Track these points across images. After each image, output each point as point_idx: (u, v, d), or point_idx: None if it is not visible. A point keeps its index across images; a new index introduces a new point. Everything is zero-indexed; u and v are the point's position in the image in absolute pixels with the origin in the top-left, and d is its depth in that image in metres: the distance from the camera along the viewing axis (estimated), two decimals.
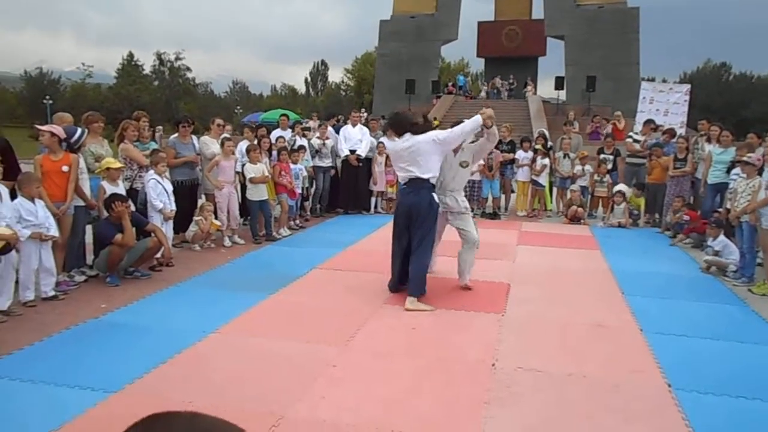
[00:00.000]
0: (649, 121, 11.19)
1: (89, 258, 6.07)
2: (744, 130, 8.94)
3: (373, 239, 8.07)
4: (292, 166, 8.50)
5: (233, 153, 7.72)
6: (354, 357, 3.99)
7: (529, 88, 31.01)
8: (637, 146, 10.28)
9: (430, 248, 5.30)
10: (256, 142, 8.30)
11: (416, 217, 5.05)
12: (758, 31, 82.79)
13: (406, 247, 5.19)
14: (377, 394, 3.41)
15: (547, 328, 4.62)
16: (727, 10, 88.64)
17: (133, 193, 6.50)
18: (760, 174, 6.16)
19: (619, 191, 9.75)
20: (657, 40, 77.41)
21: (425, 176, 5.04)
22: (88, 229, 6.06)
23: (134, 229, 5.91)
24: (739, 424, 3.18)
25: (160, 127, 10.85)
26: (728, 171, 7.77)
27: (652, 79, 35.56)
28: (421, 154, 5.01)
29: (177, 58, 49.02)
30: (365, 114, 25.34)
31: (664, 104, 14.31)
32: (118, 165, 6.02)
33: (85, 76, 45.58)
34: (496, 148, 10.52)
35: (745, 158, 6.41)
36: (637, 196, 9.80)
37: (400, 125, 5.25)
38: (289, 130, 9.87)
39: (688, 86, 15.14)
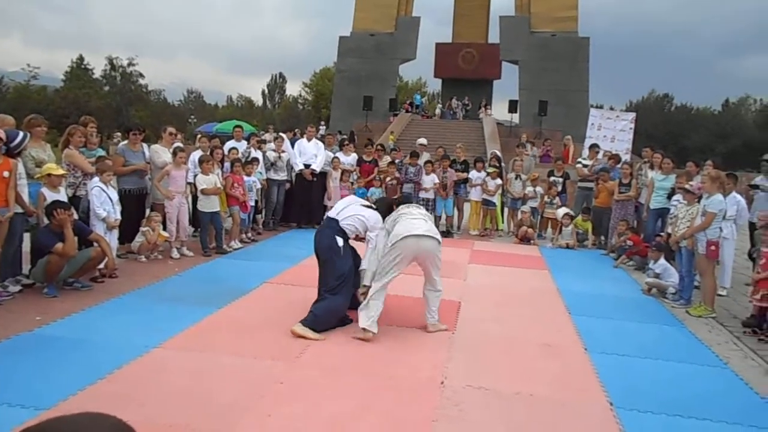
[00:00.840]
0: (593, 146, 11.64)
1: (26, 267, 5.77)
2: (684, 158, 9.41)
3: None
4: (245, 178, 8.38)
5: (185, 163, 7.55)
6: (302, 374, 3.92)
7: (483, 110, 31.74)
8: (586, 171, 10.64)
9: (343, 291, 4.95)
10: (209, 152, 8.15)
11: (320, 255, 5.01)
12: (698, 66, 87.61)
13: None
14: (325, 411, 3.36)
15: (496, 347, 4.67)
16: (671, 45, 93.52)
17: (76, 201, 6.25)
18: (698, 201, 6.46)
19: (567, 213, 10.03)
20: (606, 70, 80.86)
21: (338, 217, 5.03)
22: (26, 237, 5.77)
23: (76, 238, 5.68)
24: None
25: (118, 134, 10.57)
26: (669, 197, 8.13)
27: (601, 106, 37.08)
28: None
29: (130, 64, 47.74)
30: (323, 127, 25.38)
31: (611, 131, 14.93)
32: (60, 171, 5.79)
33: (30, 78, 43.75)
34: (450, 167, 10.71)
35: (686, 186, 6.72)
36: (584, 220, 10.10)
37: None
38: (244, 142, 9.75)
39: (634, 114, 15.87)
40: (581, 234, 10.05)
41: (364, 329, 4.61)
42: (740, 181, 9.38)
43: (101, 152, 6.96)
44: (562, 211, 10.08)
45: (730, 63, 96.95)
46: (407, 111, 32.55)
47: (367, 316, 4.63)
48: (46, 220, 5.46)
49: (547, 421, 3.43)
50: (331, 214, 5.19)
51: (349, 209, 5.08)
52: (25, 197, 5.44)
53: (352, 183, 10.40)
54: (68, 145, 6.40)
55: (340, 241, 4.93)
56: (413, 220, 4.87)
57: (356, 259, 5.18)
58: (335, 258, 4.89)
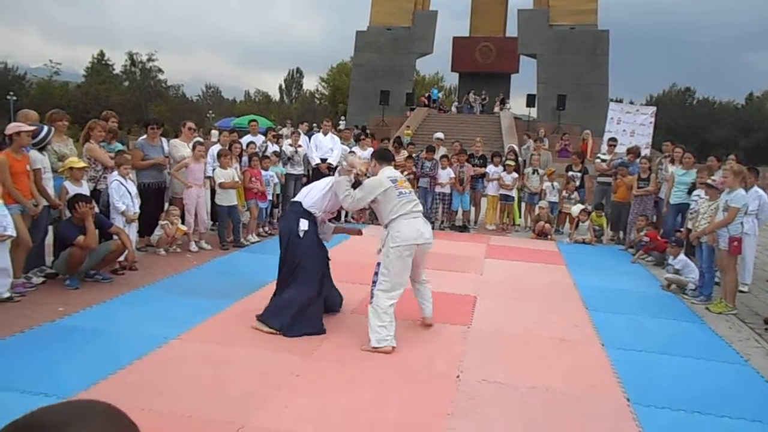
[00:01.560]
0: (612, 140, 11.50)
1: (49, 259, 5.89)
2: (705, 152, 9.25)
3: (343, 248, 8.02)
4: (263, 172, 8.43)
5: (203, 156, 7.63)
6: (318, 366, 3.95)
7: (498, 104, 31.56)
8: (604, 165, 10.53)
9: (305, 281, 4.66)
10: (227, 147, 8.22)
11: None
12: (721, 58, 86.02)
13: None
14: (340, 404, 3.38)
15: (512, 341, 4.66)
16: (693, 37, 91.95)
17: (96, 194, 6.35)
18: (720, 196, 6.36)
19: (583, 209, 9.94)
20: (626, 63, 79.74)
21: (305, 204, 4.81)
22: (49, 229, 5.89)
23: (97, 231, 5.77)
24: None
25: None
26: (689, 192, 8.01)
27: (620, 101, 36.56)
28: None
29: (149, 59, 48.33)
30: (343, 122, 25.40)
31: (630, 125, 14.71)
32: (81, 165, 5.88)
33: (52, 74, 44.48)
34: (468, 161, 10.68)
35: (708, 181, 6.60)
36: (598, 216, 10.01)
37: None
38: (261, 136, 9.80)
39: (654, 109, 15.60)
40: (597, 230, 9.96)
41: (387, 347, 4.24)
42: (764, 175, 9.21)
43: (120, 147, 7.06)
44: (577, 209, 9.99)
45: (754, 56, 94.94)
46: (424, 105, 32.44)
47: (387, 335, 4.24)
48: (68, 213, 5.56)
49: (563, 415, 3.42)
50: (296, 198, 5.03)
51: (314, 190, 4.91)
52: (51, 191, 5.56)
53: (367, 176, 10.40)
54: (89, 139, 6.50)
55: (302, 224, 4.64)
56: (415, 219, 4.47)
57: (324, 251, 4.92)
58: (293, 242, 4.63)
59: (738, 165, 6.40)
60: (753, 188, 6.57)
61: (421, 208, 4.66)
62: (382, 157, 4.91)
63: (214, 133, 17.77)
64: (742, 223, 5.95)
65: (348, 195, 4.61)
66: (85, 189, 5.89)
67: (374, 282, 4.37)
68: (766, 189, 7.49)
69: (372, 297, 4.35)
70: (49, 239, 5.91)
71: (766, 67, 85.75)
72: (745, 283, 6.79)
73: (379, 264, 4.41)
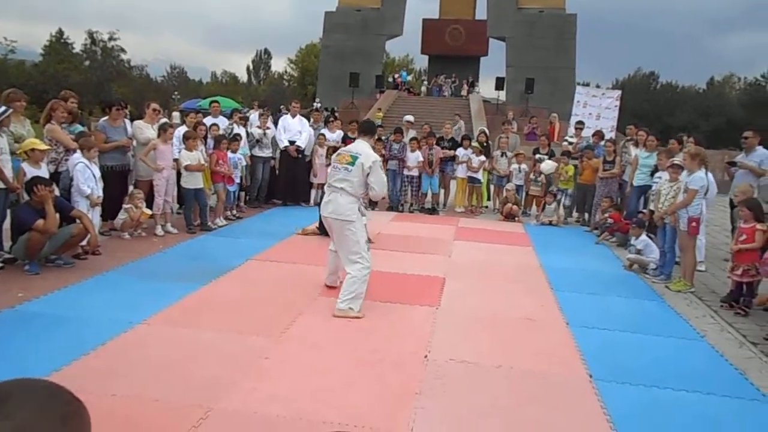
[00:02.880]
0: (579, 123, 11.69)
1: (6, 244, 5.70)
2: (668, 136, 9.48)
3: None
4: (230, 155, 8.30)
5: (171, 138, 7.46)
6: (287, 349, 3.95)
7: (467, 88, 31.70)
8: (570, 148, 10.69)
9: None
10: (192, 128, 8.06)
11: None
12: (685, 43, 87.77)
13: None
14: (309, 386, 3.40)
15: (480, 322, 4.74)
16: (658, 22, 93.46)
17: (57, 177, 6.15)
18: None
19: (550, 191, 10.10)
20: (593, 47, 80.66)
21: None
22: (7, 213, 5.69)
23: (58, 215, 5.61)
24: (652, 411, 3.37)
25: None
26: (652, 174, 8.20)
27: (587, 84, 37.08)
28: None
29: (111, 39, 46.65)
30: (319, 104, 25.09)
31: (596, 108, 14.98)
32: (44, 147, 5.69)
33: (8, 52, 42.59)
34: (438, 144, 10.71)
35: (677, 161, 6.74)
36: (565, 164, 10.21)
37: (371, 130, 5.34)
38: (224, 118, 9.61)
39: (619, 92, 15.90)
40: (564, 194, 10.11)
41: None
42: (713, 158, 9.49)
43: (81, 128, 6.84)
44: (548, 165, 10.16)
45: (716, 40, 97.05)
46: (397, 87, 32.30)
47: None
48: (26, 197, 5.38)
49: (528, 392, 3.50)
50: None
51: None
52: (9, 173, 5.36)
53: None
54: (50, 120, 6.28)
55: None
56: (330, 193, 4.84)
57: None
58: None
59: (696, 147, 6.56)
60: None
61: (343, 184, 4.78)
62: (360, 128, 5.39)
63: (176, 114, 17.40)
64: (702, 205, 6.14)
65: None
66: (44, 171, 5.71)
67: None
68: (714, 171, 7.73)
69: None
70: (7, 224, 5.71)
71: (727, 52, 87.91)
72: (701, 261, 7.01)
73: None
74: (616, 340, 4.49)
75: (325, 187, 5.00)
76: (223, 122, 9.36)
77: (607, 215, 8.84)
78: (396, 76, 35.36)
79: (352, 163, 4.75)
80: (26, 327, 4.02)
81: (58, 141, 6.26)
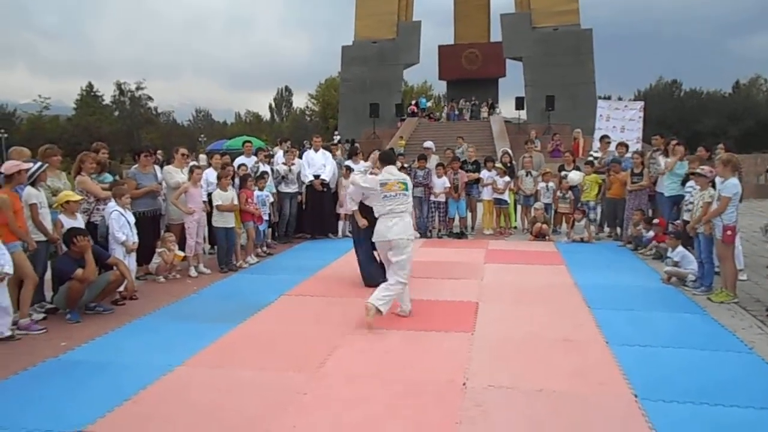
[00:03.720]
0: (604, 137, 11.57)
1: (48, 294, 5.87)
2: (697, 143, 9.31)
3: (341, 264, 8.04)
4: (257, 192, 8.45)
5: (200, 180, 7.64)
6: (325, 384, 3.94)
7: (487, 110, 31.80)
8: (595, 163, 10.58)
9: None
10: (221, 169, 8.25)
11: None
12: (705, 48, 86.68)
13: None
14: (349, 420, 3.38)
15: (517, 345, 4.66)
16: (676, 29, 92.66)
17: (90, 227, 6.34)
18: (713, 186, 6.39)
19: (579, 208, 9.97)
20: (611, 60, 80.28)
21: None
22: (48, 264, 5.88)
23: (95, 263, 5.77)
24: (703, 430, 3.24)
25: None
26: (683, 183, 8.04)
27: (608, 97, 36.83)
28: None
29: (138, 88, 48.44)
30: (338, 137, 25.49)
31: (620, 121, 14.82)
32: (77, 198, 5.89)
33: (42, 109, 44.52)
34: (462, 168, 10.72)
35: (698, 170, 6.63)
36: (588, 174, 10.12)
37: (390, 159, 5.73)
38: (253, 157, 9.83)
39: (642, 103, 15.72)
40: (590, 205, 9.97)
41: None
42: (756, 162, 9.28)
43: (110, 178, 7.05)
44: (575, 175, 10.07)
45: (737, 43, 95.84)
46: (413, 113, 32.58)
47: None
48: (64, 248, 5.56)
49: (571, 416, 3.41)
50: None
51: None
52: (49, 225, 5.56)
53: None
54: (80, 171, 6.51)
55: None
56: (391, 218, 5.30)
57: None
58: None
59: (727, 154, 6.43)
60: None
61: (404, 206, 5.36)
62: (382, 158, 5.78)
63: (202, 157, 17.85)
64: (736, 212, 5.99)
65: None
66: (80, 222, 5.90)
67: None
68: (761, 174, 7.54)
69: None
70: (48, 274, 5.89)
71: (749, 54, 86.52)
72: (741, 269, 6.79)
73: None
74: (660, 357, 4.35)
75: (382, 214, 5.34)
76: (251, 162, 9.54)
77: (640, 227, 8.68)
78: (412, 103, 35.69)
79: (406, 188, 5.42)
80: (69, 375, 4.11)
81: (89, 191, 6.46)
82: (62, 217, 5.74)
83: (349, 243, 9.41)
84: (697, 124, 45.90)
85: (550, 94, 27.47)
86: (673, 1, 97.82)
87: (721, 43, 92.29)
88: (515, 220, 11.31)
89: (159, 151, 14.91)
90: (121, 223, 6.21)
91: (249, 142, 10.78)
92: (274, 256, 8.89)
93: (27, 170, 5.32)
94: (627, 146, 10.49)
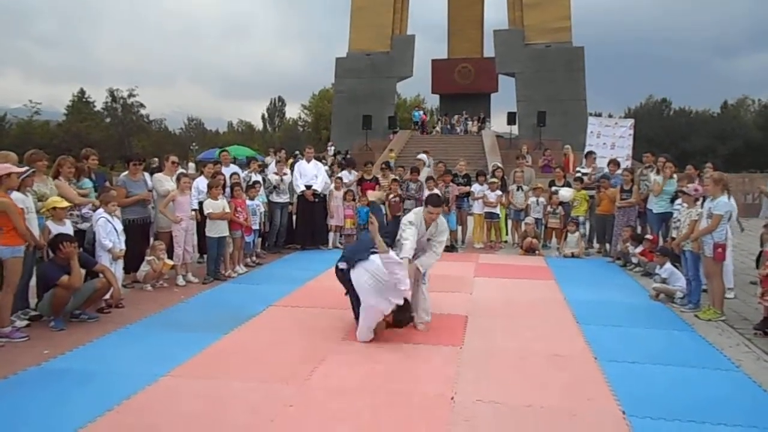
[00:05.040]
0: (589, 153, 11.68)
1: (32, 301, 5.78)
2: (685, 161, 9.42)
3: (331, 275, 7.93)
4: (248, 202, 8.41)
5: (189, 188, 7.60)
6: (311, 395, 3.90)
7: (478, 125, 32.17)
8: (585, 178, 10.65)
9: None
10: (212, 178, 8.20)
11: None
12: (694, 69, 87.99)
13: None
14: None
15: (505, 360, 4.64)
16: (665, 49, 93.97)
17: (78, 234, 6.25)
18: (698, 203, 6.44)
19: (572, 220, 10.01)
20: (602, 78, 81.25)
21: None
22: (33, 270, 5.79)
23: (83, 270, 5.70)
24: None
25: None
26: (672, 201, 8.11)
27: (599, 114, 37.18)
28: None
29: (130, 95, 48.18)
30: (332, 148, 25.57)
31: (610, 138, 14.98)
32: (64, 204, 5.83)
33: (33, 114, 44.19)
34: (452, 181, 10.75)
35: (684, 189, 6.70)
36: (578, 190, 10.18)
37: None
38: (234, 166, 9.72)
39: (632, 121, 15.90)
40: (580, 219, 10.01)
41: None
42: (743, 181, 9.39)
43: (89, 184, 6.95)
44: (566, 192, 10.12)
45: (725, 64, 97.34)
46: (423, 122, 33.21)
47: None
48: (50, 254, 5.49)
49: None
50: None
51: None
52: (36, 231, 5.48)
53: (355, 199, 10.42)
54: (58, 176, 6.43)
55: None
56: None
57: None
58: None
59: (718, 173, 6.49)
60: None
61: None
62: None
63: (191, 165, 17.78)
64: (727, 230, 6.03)
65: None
66: (68, 228, 5.83)
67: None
68: (749, 194, 7.65)
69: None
70: (33, 281, 5.81)
71: (735, 75, 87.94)
72: (731, 288, 6.83)
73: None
74: (648, 374, 4.35)
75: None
76: (230, 170, 9.39)
77: (628, 244, 8.73)
78: (421, 112, 36.30)
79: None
80: (52, 384, 4.03)
81: (64, 196, 6.36)
82: (49, 223, 5.67)
83: (339, 254, 9.42)
84: (685, 142, 46.42)
85: (541, 110, 27.74)
86: (662, 22, 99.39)
87: (709, 64, 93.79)
88: (506, 234, 11.34)
89: (155, 159, 14.82)
90: (107, 230, 6.15)
91: (225, 151, 10.51)
92: (263, 266, 8.83)
93: (18, 173, 5.24)
94: (618, 163, 10.58)
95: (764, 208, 7.57)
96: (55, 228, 5.64)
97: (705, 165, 8.20)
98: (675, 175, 8.47)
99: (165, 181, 7.59)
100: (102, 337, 5.13)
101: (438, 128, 34.74)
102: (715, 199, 6.02)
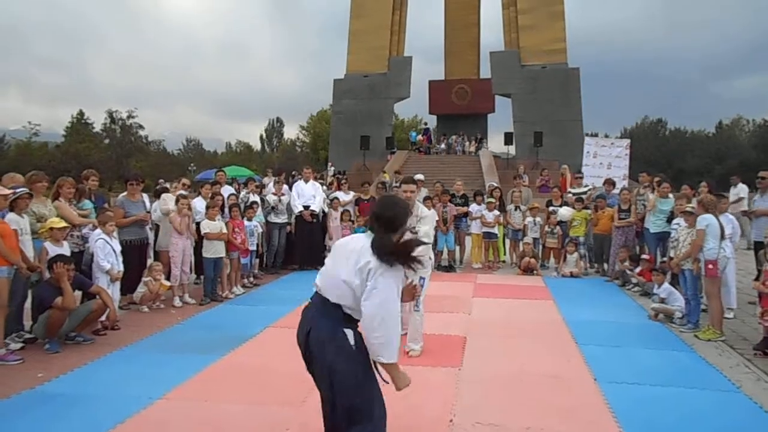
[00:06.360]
0: (577, 173, 11.83)
1: (28, 324, 5.73)
2: (681, 181, 9.46)
3: None
4: (246, 222, 8.41)
5: (186, 209, 7.59)
6: (309, 418, 3.85)
7: (475, 145, 32.40)
8: (583, 197, 10.69)
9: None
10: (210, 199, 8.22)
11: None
12: (689, 89, 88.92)
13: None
14: None
15: (504, 381, 4.60)
16: (661, 70, 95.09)
17: (78, 255, 6.24)
18: None
19: (570, 240, 10.01)
20: (599, 99, 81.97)
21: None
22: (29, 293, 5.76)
23: (80, 291, 5.67)
24: None
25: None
26: (669, 221, 8.12)
27: (596, 135, 37.43)
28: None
29: (129, 116, 48.44)
30: (332, 168, 25.68)
31: (607, 158, 15.09)
32: (62, 225, 5.82)
33: (31, 135, 44.34)
34: (450, 201, 10.78)
35: (688, 208, 6.72)
36: (579, 209, 10.18)
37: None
38: (228, 187, 9.75)
39: (628, 141, 16.03)
40: (580, 240, 10.02)
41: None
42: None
43: (89, 205, 6.96)
44: (565, 211, 10.13)
45: (720, 85, 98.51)
46: (428, 140, 33.45)
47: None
48: (48, 275, 5.46)
49: None
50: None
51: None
52: (30, 253, 5.46)
53: (352, 221, 10.42)
54: (58, 197, 6.43)
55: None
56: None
57: None
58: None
59: (707, 196, 6.59)
60: (724, 213, 6.72)
61: None
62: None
63: (185, 182, 17.89)
64: (723, 248, 6.05)
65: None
66: (66, 249, 5.81)
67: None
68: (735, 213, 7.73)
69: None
70: (28, 303, 5.77)
71: (730, 95, 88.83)
72: (731, 308, 6.81)
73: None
74: (648, 395, 4.32)
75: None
76: (227, 191, 9.43)
77: (626, 263, 8.73)
78: (426, 127, 36.64)
79: None
80: (45, 408, 3.98)
81: (63, 217, 6.36)
82: (48, 245, 5.66)
83: None
84: (681, 162, 46.75)
85: (538, 130, 27.90)
86: (657, 44, 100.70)
87: (703, 85, 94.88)
88: (504, 254, 11.33)
89: (161, 180, 14.85)
90: (106, 252, 6.13)
91: (222, 171, 10.56)
92: (261, 286, 8.80)
93: (5, 196, 5.24)
94: (614, 183, 10.64)
95: (756, 225, 7.65)
96: (53, 249, 5.62)
97: (699, 184, 8.23)
98: (671, 195, 8.51)
99: (170, 201, 7.62)
100: (97, 359, 5.09)
101: (443, 146, 34.86)
102: (699, 217, 6.12)
